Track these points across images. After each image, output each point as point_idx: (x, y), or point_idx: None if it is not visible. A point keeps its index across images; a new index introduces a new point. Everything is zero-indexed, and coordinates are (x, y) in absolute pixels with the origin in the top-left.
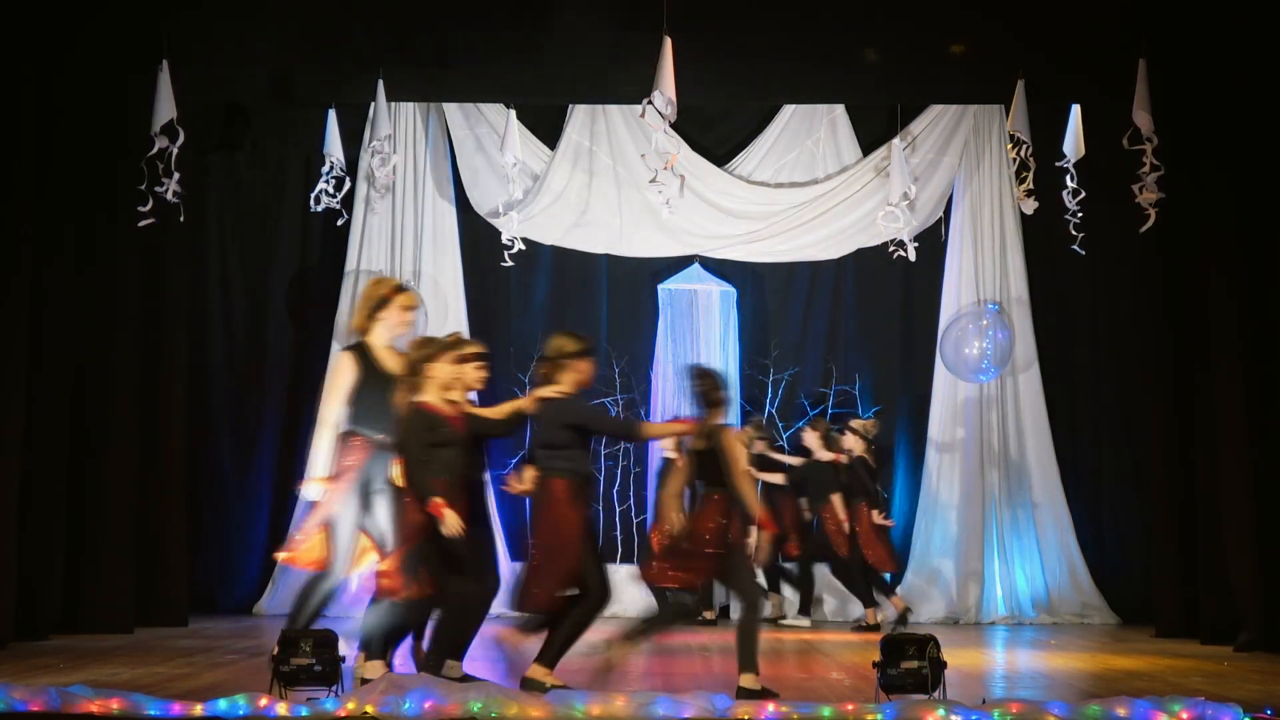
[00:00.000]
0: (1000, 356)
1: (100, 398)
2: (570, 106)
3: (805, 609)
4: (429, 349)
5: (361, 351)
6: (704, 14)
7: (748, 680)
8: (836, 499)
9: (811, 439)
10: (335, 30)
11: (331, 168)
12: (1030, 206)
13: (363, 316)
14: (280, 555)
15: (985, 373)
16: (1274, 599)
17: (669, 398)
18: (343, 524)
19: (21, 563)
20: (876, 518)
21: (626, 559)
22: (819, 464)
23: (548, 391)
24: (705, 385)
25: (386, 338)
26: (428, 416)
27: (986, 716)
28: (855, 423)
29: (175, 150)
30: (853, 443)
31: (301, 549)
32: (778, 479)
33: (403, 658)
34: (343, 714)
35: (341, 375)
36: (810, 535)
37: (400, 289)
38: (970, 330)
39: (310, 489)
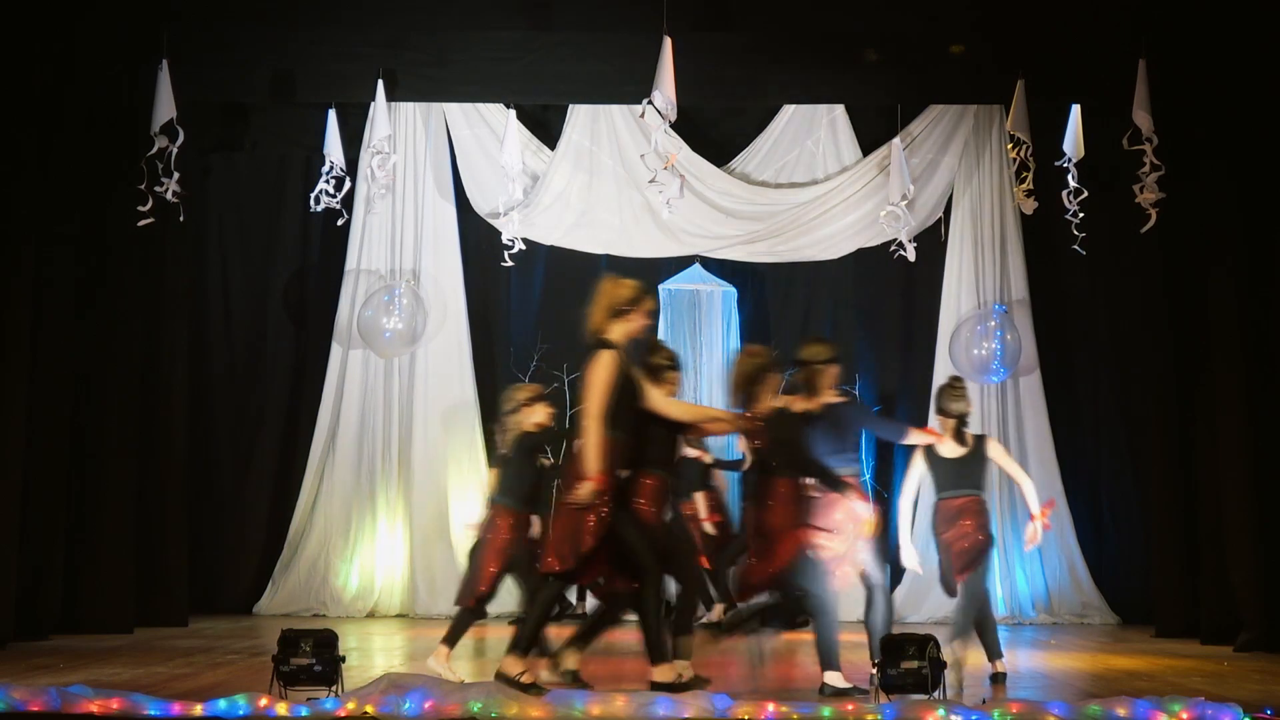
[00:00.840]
0: (1009, 357)
1: (100, 398)
2: (570, 106)
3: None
4: (767, 356)
5: (617, 352)
6: (704, 14)
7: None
8: (700, 497)
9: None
10: (335, 30)
11: (331, 168)
12: (1030, 206)
13: (603, 316)
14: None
15: (995, 373)
16: (1274, 599)
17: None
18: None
19: (21, 563)
20: None
21: None
22: (685, 460)
23: (831, 397)
24: (963, 394)
25: (624, 339)
26: (797, 419)
27: (986, 716)
28: None
29: (175, 150)
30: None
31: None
32: None
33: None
34: (343, 714)
35: (606, 372)
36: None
37: (645, 291)
38: (979, 331)
39: (580, 492)
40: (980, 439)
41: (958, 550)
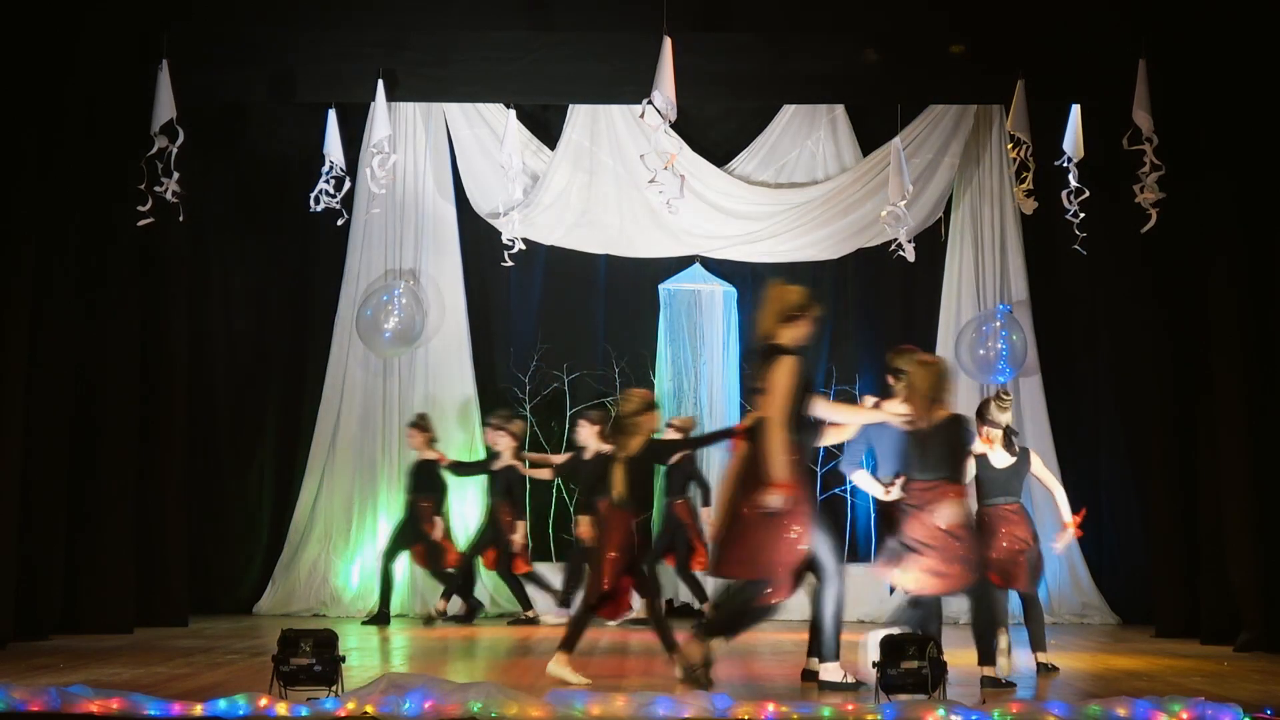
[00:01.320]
0: (1015, 357)
1: (100, 398)
2: (570, 106)
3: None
4: (946, 363)
5: (798, 358)
6: (704, 14)
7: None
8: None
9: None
10: (335, 30)
11: (331, 168)
12: (1030, 206)
13: (774, 322)
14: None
15: (1001, 373)
16: (1274, 599)
17: (669, 398)
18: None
19: (21, 563)
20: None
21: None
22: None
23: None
24: (1009, 406)
25: (794, 344)
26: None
27: (986, 717)
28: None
29: (175, 150)
30: (587, 436)
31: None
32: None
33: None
34: (343, 714)
35: (790, 378)
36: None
37: (812, 299)
38: (984, 331)
39: (772, 498)
40: (1025, 451)
41: (1019, 564)
